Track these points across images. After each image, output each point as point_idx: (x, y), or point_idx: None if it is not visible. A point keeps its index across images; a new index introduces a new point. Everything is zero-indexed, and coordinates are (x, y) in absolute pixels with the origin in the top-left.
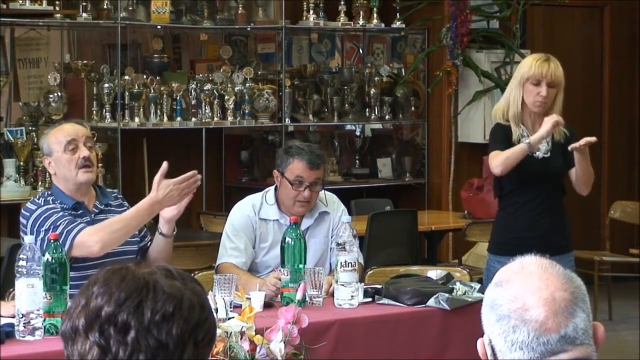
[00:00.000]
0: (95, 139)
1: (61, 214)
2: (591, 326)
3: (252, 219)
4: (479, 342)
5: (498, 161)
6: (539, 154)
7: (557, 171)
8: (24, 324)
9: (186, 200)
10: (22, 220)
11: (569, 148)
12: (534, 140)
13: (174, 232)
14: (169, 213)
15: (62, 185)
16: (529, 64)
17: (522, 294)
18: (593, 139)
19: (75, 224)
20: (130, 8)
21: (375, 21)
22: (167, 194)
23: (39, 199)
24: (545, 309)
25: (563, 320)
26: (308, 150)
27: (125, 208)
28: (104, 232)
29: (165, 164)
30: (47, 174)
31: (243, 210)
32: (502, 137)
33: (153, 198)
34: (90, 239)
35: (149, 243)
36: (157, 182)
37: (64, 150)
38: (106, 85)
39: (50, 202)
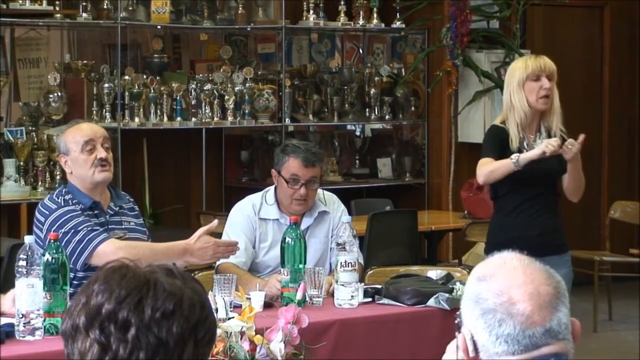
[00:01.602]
0: None
1: (82, 218)
2: (570, 322)
3: (252, 219)
4: (459, 337)
5: (482, 172)
6: None
7: (550, 172)
8: (24, 324)
9: (212, 260)
10: (39, 217)
11: (566, 157)
12: (523, 159)
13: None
14: (192, 259)
15: (79, 184)
16: (523, 65)
17: (508, 288)
18: (581, 138)
19: (98, 232)
20: (130, 8)
21: (375, 21)
22: (202, 248)
23: (57, 198)
24: (531, 302)
25: (548, 315)
26: (304, 149)
27: (136, 212)
28: (129, 251)
29: (215, 222)
30: (47, 173)
31: (243, 210)
32: (494, 141)
33: (188, 246)
34: (116, 253)
35: None
36: (200, 234)
37: (82, 150)
38: (106, 85)
39: (70, 202)
